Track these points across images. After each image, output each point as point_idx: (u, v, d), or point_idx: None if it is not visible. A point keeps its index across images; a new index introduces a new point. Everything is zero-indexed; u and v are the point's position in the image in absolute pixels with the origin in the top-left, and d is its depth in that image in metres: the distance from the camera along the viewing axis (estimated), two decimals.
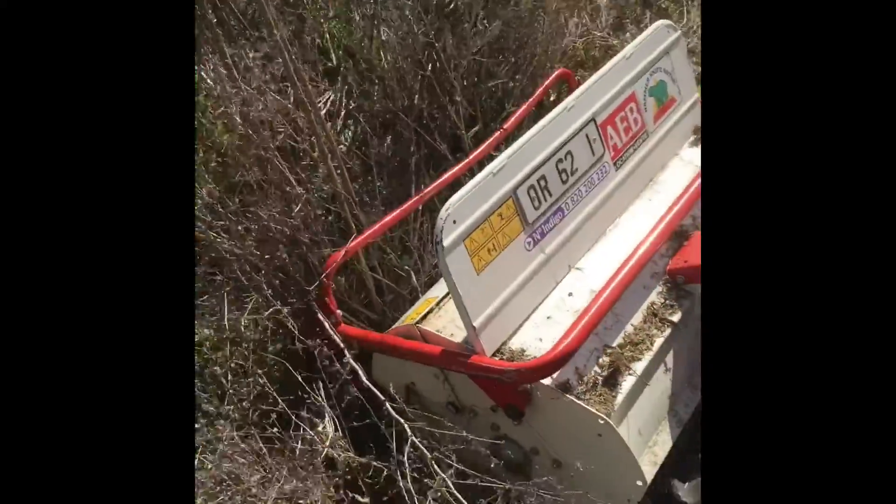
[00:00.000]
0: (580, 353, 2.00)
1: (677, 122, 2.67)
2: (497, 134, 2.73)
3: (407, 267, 2.69)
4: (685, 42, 2.73)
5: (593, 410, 1.92)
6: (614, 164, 2.42)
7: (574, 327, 1.97)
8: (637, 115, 2.51)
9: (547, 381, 1.96)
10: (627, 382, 2.03)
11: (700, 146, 2.67)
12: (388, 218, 2.44)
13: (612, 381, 2.02)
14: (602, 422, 1.91)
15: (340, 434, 2.19)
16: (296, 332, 2.26)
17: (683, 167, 2.59)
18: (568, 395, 1.95)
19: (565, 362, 1.92)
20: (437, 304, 2.25)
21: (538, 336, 2.08)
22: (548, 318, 2.13)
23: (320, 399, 2.18)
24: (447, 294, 2.18)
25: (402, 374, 2.24)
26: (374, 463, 2.10)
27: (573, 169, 2.27)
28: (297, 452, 2.11)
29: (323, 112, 2.82)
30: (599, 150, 2.36)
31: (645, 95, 2.54)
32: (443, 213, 1.93)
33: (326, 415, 2.18)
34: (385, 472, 2.06)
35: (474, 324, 1.98)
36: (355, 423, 2.16)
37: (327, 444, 2.14)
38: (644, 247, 2.19)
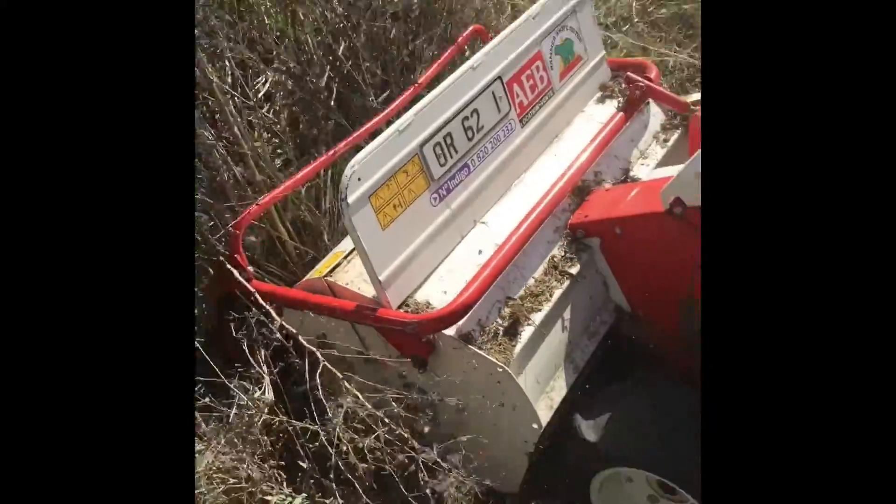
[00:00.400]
0: (483, 304, 2.10)
1: (583, 80, 2.75)
2: (407, 92, 2.76)
3: (321, 228, 2.74)
4: (592, 1, 2.79)
5: (492, 359, 2.02)
6: (520, 121, 2.49)
7: (474, 280, 2.07)
8: (543, 73, 2.58)
9: (450, 331, 2.05)
10: (526, 332, 2.13)
11: (609, 104, 2.76)
12: (297, 176, 2.48)
13: (511, 332, 2.13)
14: (500, 370, 2.02)
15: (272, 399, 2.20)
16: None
17: (587, 123, 2.68)
18: (469, 346, 2.04)
19: (464, 314, 2.01)
20: (345, 257, 2.30)
21: (443, 289, 2.16)
22: (452, 271, 2.21)
23: (256, 365, 2.19)
24: (354, 248, 2.24)
25: (313, 327, 2.30)
26: (312, 427, 2.14)
27: (479, 126, 2.33)
28: (232, 419, 2.13)
29: (261, 94, 2.84)
30: (505, 108, 2.42)
31: (551, 53, 2.61)
32: (347, 170, 1.98)
33: (265, 381, 2.19)
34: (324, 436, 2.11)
35: (380, 278, 2.05)
36: (295, 388, 2.19)
37: (265, 411, 2.15)
38: (545, 202, 2.29)
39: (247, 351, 2.17)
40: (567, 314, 2.27)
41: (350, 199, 1.97)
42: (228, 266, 2.33)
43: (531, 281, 2.24)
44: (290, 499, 2.16)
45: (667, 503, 2.22)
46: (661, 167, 2.57)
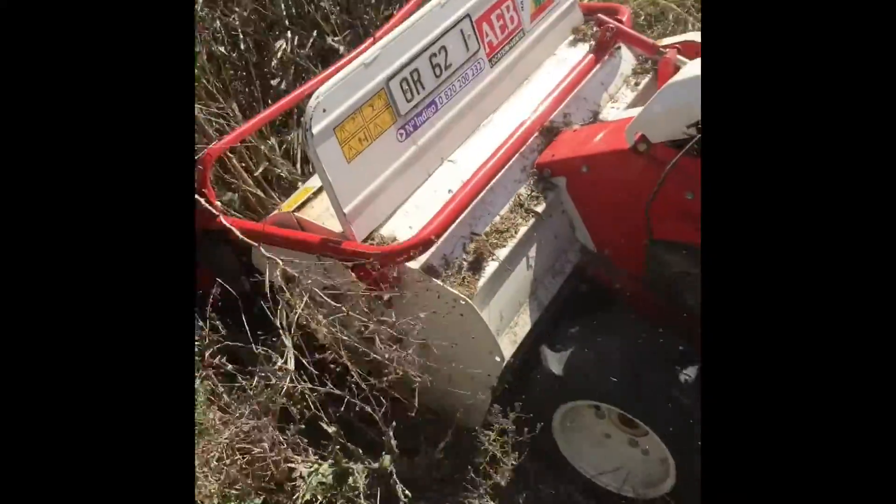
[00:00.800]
0: (448, 240, 2.12)
1: (554, 23, 2.74)
2: (370, 39, 2.73)
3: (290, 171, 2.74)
4: None
5: (455, 291, 2.04)
6: (489, 60, 2.48)
7: (439, 214, 2.08)
8: (514, 14, 2.57)
9: (413, 264, 2.06)
10: (490, 268, 2.16)
11: (581, 48, 2.76)
12: (262, 114, 2.47)
13: (475, 266, 2.15)
14: (463, 303, 2.04)
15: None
16: None
17: (558, 65, 2.68)
18: (433, 279, 2.06)
19: (427, 247, 2.03)
20: (315, 193, 2.30)
21: (408, 224, 2.17)
22: (419, 207, 2.22)
23: (280, 329, 2.16)
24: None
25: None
26: (334, 391, 2.14)
27: (447, 64, 2.32)
28: (255, 390, 2.12)
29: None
30: (474, 47, 2.42)
31: None
32: (312, 101, 1.97)
33: (287, 348, 2.16)
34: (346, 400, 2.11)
35: (344, 210, 2.05)
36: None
37: (286, 381, 2.12)
38: (511, 140, 2.30)
39: (269, 313, 2.16)
40: (532, 252, 2.29)
41: (314, 130, 1.96)
42: (201, 201, 2.31)
43: (497, 218, 2.26)
44: (316, 465, 2.18)
45: (624, 436, 2.27)
46: (630, 109, 2.58)
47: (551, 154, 2.38)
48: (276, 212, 2.35)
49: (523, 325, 2.24)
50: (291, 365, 2.13)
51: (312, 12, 3.18)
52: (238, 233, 2.19)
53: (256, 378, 2.14)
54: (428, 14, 2.27)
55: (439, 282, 2.06)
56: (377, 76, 2.12)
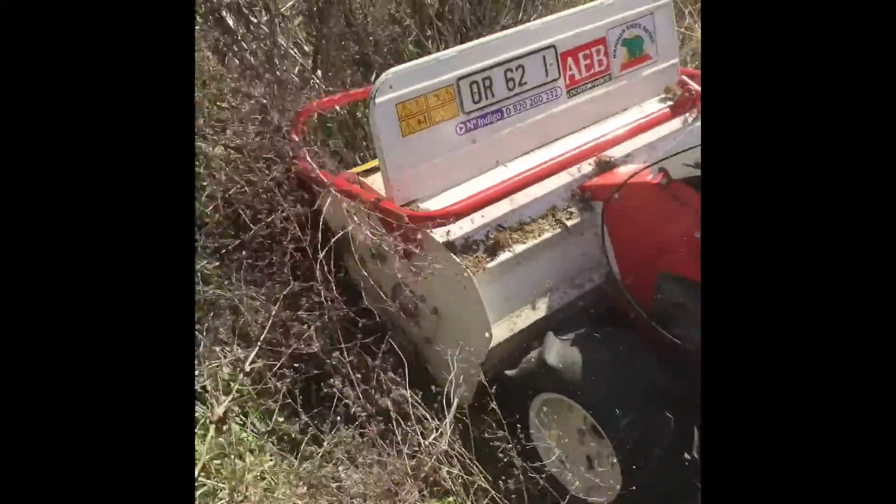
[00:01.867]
0: (476, 228, 2.40)
1: (647, 78, 2.97)
2: None
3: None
4: (672, 9, 3.02)
5: (461, 264, 2.30)
6: (567, 91, 2.75)
7: (470, 198, 2.37)
8: (603, 58, 2.83)
9: (437, 235, 2.36)
10: (503, 256, 2.39)
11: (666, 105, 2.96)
12: (354, 91, 2.91)
13: (490, 252, 2.39)
14: (466, 275, 2.30)
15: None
16: None
17: (637, 114, 2.90)
18: (447, 250, 2.34)
19: (449, 219, 2.32)
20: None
21: (446, 204, 2.47)
22: (460, 194, 2.51)
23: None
24: None
25: (342, 220, 2.67)
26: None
27: (522, 81, 2.62)
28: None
29: None
30: (554, 74, 2.70)
31: (617, 44, 2.86)
32: (382, 77, 2.35)
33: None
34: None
35: (388, 174, 2.39)
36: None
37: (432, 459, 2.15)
38: (563, 157, 2.55)
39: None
40: (554, 258, 2.50)
41: (378, 101, 2.33)
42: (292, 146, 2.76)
43: (527, 219, 2.50)
44: None
45: (591, 443, 2.38)
46: None
47: (598, 181, 2.60)
48: (348, 171, 2.74)
49: (525, 318, 2.43)
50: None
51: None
52: (317, 169, 2.61)
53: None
54: (513, 35, 2.60)
55: (450, 252, 2.33)
56: (448, 73, 2.46)
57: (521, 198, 2.50)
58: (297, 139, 2.74)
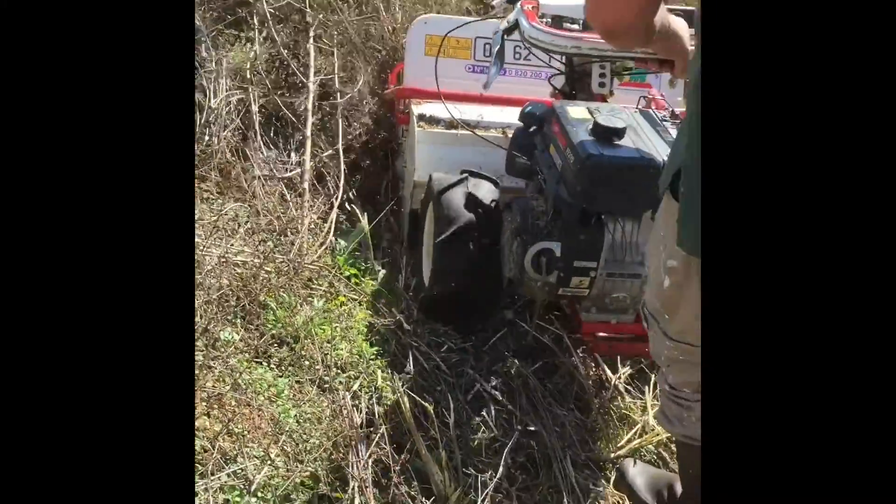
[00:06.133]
0: (444, 115, 3.54)
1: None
2: None
3: None
4: None
5: (419, 127, 3.37)
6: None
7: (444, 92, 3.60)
8: None
9: (414, 107, 3.53)
10: (453, 131, 3.46)
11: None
12: None
13: (447, 127, 3.51)
14: (416, 131, 3.39)
15: None
16: None
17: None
18: (417, 119, 3.48)
19: (422, 98, 3.52)
20: None
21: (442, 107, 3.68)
22: (456, 106, 3.70)
23: None
24: None
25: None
26: None
27: (526, 57, 3.82)
28: None
29: None
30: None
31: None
32: (420, 17, 3.77)
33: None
34: None
35: (406, 70, 3.73)
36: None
37: None
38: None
39: None
40: (480, 153, 3.34)
41: (414, 25, 3.75)
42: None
43: (484, 126, 3.57)
44: None
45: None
46: None
47: None
48: None
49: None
50: None
51: None
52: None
53: None
54: None
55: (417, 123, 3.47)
56: (471, 32, 3.78)
57: (488, 113, 3.57)
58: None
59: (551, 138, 2.55)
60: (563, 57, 2.96)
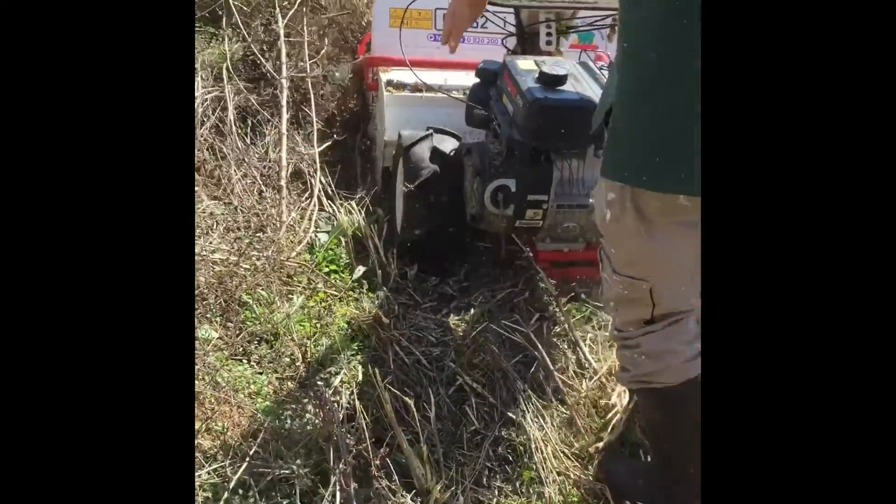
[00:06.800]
0: (410, 80, 3.52)
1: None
2: None
3: None
4: None
5: (386, 92, 3.48)
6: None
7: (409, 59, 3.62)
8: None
9: (382, 74, 3.62)
10: (417, 95, 3.50)
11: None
12: None
13: (411, 90, 3.55)
14: (385, 95, 3.48)
15: None
16: None
17: None
18: (385, 85, 3.54)
19: (389, 66, 3.61)
20: None
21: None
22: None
23: None
24: None
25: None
26: None
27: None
28: None
29: None
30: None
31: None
32: None
33: None
34: None
35: (373, 39, 3.82)
36: None
37: None
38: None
39: None
40: (443, 114, 3.38)
41: (377, 2, 3.78)
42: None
43: (446, 89, 3.48)
44: None
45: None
46: None
47: None
48: None
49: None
50: None
51: None
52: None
53: None
54: None
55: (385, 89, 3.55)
56: (432, 4, 3.76)
57: (450, 78, 3.54)
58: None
59: (503, 89, 2.84)
60: (515, 19, 3.25)
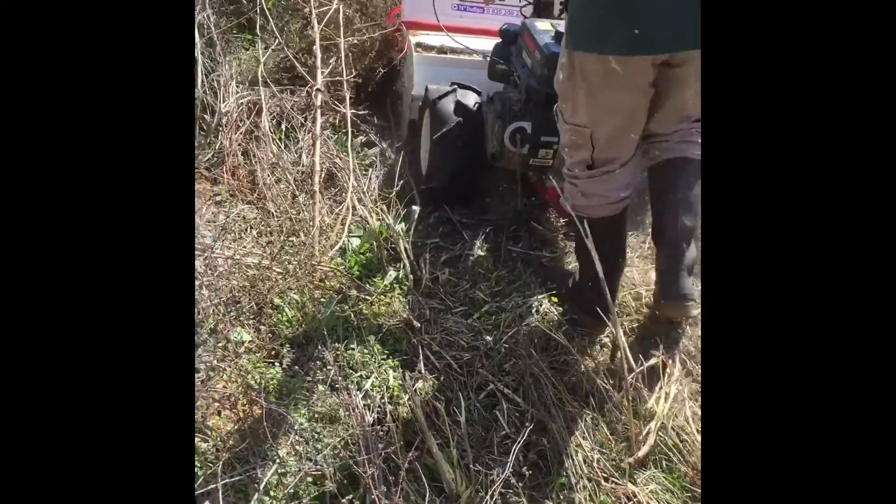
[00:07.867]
0: (437, 42, 3.84)
1: None
2: None
3: None
4: None
5: (416, 53, 3.69)
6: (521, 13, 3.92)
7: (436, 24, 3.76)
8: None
9: (412, 37, 3.83)
10: (445, 55, 3.78)
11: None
12: None
13: (440, 52, 3.81)
14: (413, 55, 3.68)
15: None
16: None
17: None
18: (414, 46, 3.75)
19: (418, 31, 3.84)
20: None
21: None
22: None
23: None
24: None
25: None
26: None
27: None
28: None
29: None
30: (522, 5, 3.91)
31: None
32: None
33: None
34: None
35: (404, 6, 3.98)
36: None
37: None
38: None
39: None
40: (467, 73, 3.67)
41: None
42: None
43: (471, 52, 3.79)
44: None
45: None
46: None
47: None
48: None
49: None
50: None
51: None
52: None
53: None
54: None
55: (415, 49, 3.76)
56: None
57: (473, 43, 3.84)
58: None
59: (523, 45, 3.27)
60: None
